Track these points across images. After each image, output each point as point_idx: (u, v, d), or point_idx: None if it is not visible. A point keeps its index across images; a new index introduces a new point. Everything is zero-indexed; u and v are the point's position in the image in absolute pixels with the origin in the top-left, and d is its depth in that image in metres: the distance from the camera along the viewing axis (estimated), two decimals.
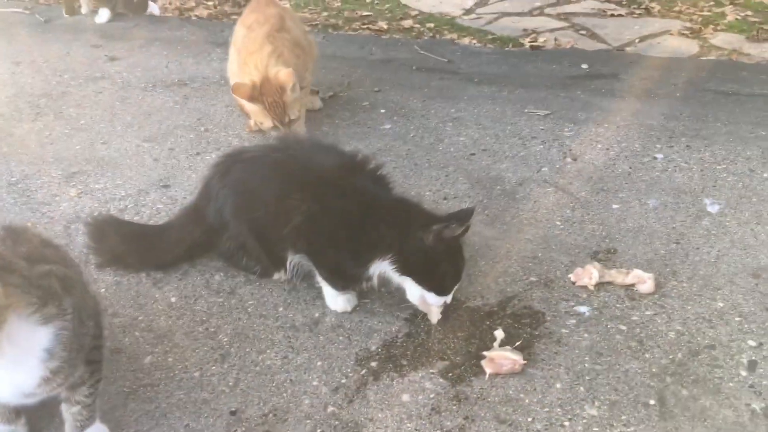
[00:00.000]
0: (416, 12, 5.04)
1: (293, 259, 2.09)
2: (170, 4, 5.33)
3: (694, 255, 2.29)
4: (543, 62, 3.95)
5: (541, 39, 4.42)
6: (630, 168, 2.80)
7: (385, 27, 4.78)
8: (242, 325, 2.05)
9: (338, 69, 3.85)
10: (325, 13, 5.10)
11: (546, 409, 1.76)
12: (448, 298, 1.98)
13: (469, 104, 3.40)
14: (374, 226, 1.93)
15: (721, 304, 2.07)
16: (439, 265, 1.91)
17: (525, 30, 4.61)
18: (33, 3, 5.18)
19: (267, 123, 2.94)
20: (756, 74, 3.65)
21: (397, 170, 2.82)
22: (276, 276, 2.21)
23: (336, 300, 2.10)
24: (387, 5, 5.21)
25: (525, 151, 2.96)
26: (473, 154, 2.95)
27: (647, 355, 1.89)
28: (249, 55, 3.00)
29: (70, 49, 4.29)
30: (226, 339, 2.00)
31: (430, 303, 1.99)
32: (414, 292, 1.97)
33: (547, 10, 4.97)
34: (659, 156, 2.87)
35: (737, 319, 2.01)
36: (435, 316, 2.03)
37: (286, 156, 2.13)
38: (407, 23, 4.82)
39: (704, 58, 4.06)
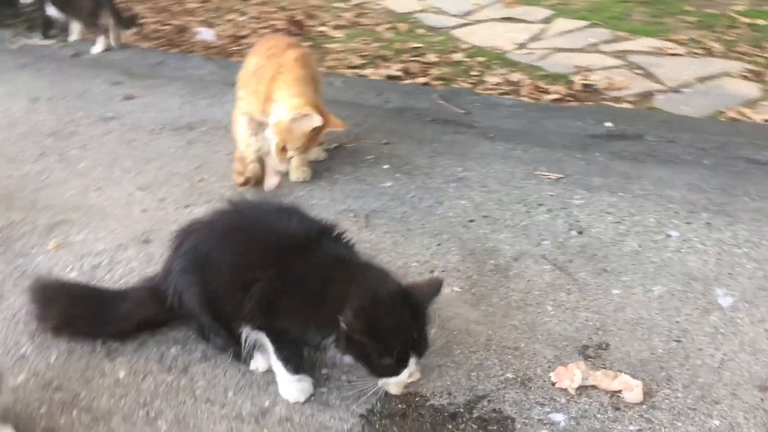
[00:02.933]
0: (468, 45, 4.91)
1: (249, 335, 1.93)
2: (224, 32, 5.40)
3: (695, 357, 2.04)
4: (565, 118, 3.73)
5: (593, 77, 4.23)
6: (639, 246, 2.57)
7: (435, 60, 4.68)
8: (186, 410, 1.91)
9: (350, 117, 3.70)
10: (376, 44, 5.02)
11: None
12: (409, 375, 1.78)
13: (478, 163, 3.22)
14: (331, 295, 1.74)
15: (717, 423, 1.82)
16: (370, 351, 1.69)
17: (577, 67, 4.42)
18: (65, 35, 5.25)
19: (295, 145, 2.79)
20: None
21: (388, 235, 2.66)
22: (253, 366, 2.04)
23: (290, 388, 1.93)
24: (439, 38, 5.11)
25: (528, 220, 2.76)
26: (472, 221, 2.77)
27: None
28: (293, 83, 2.82)
29: (90, 85, 4.30)
30: (165, 427, 1.86)
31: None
32: None
33: (602, 47, 4.78)
34: (674, 234, 2.63)
35: None
36: (394, 388, 1.91)
37: (242, 219, 1.99)
38: (457, 56, 4.71)
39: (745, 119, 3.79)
